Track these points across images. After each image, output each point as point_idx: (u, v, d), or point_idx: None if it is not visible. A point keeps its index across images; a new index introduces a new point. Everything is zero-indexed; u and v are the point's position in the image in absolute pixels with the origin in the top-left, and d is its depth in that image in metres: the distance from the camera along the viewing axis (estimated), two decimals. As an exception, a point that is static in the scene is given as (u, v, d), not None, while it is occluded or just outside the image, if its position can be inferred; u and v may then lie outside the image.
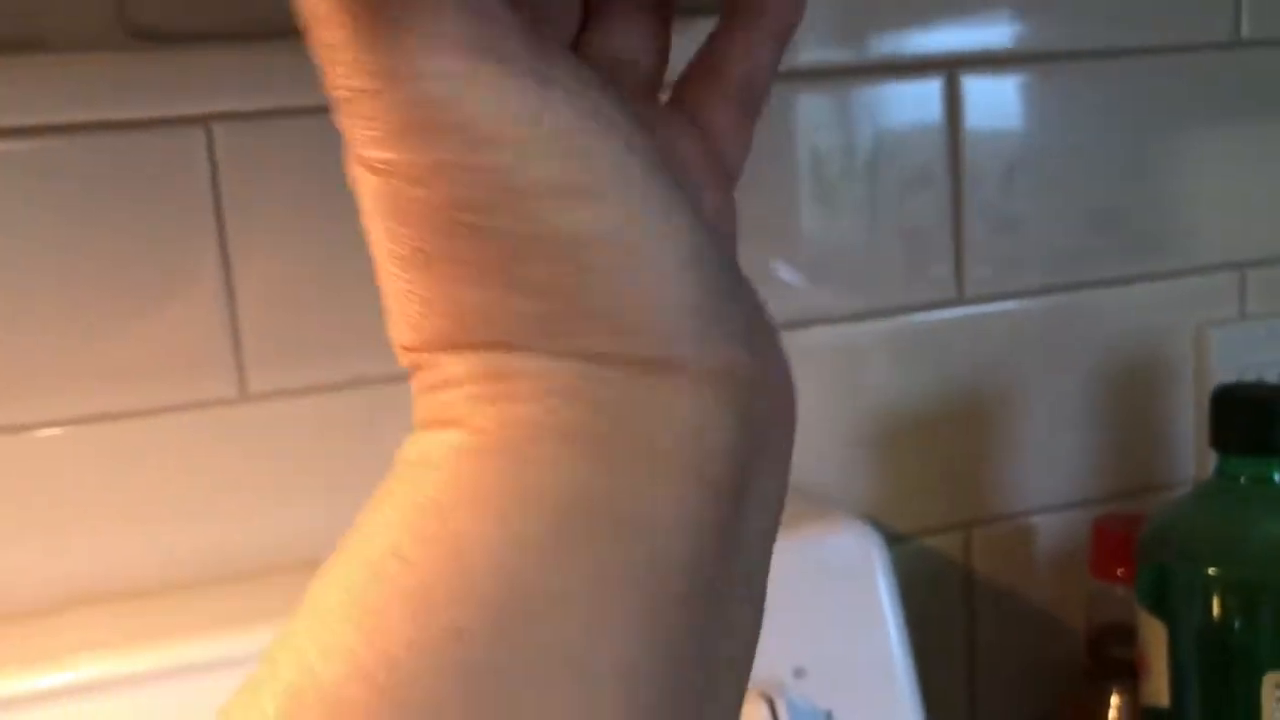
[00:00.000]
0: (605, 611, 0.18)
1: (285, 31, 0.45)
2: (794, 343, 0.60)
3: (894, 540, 0.60)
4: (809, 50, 0.58)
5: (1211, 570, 0.50)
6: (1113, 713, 0.59)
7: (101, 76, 0.48)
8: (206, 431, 0.51)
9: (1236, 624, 0.50)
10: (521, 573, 0.17)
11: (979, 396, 0.63)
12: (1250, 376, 0.65)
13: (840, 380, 0.60)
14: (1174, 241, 0.65)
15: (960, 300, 0.61)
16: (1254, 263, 0.66)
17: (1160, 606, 0.52)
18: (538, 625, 0.17)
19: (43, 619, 0.49)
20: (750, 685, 0.47)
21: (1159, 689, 0.53)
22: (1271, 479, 0.51)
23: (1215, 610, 0.50)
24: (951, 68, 0.60)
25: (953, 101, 0.60)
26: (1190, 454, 0.66)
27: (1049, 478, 0.64)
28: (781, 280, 0.59)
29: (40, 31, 0.44)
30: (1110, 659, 0.59)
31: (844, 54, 0.58)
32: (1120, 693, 0.59)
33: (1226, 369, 0.64)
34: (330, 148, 0.47)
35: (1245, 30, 0.64)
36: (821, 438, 0.60)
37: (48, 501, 0.50)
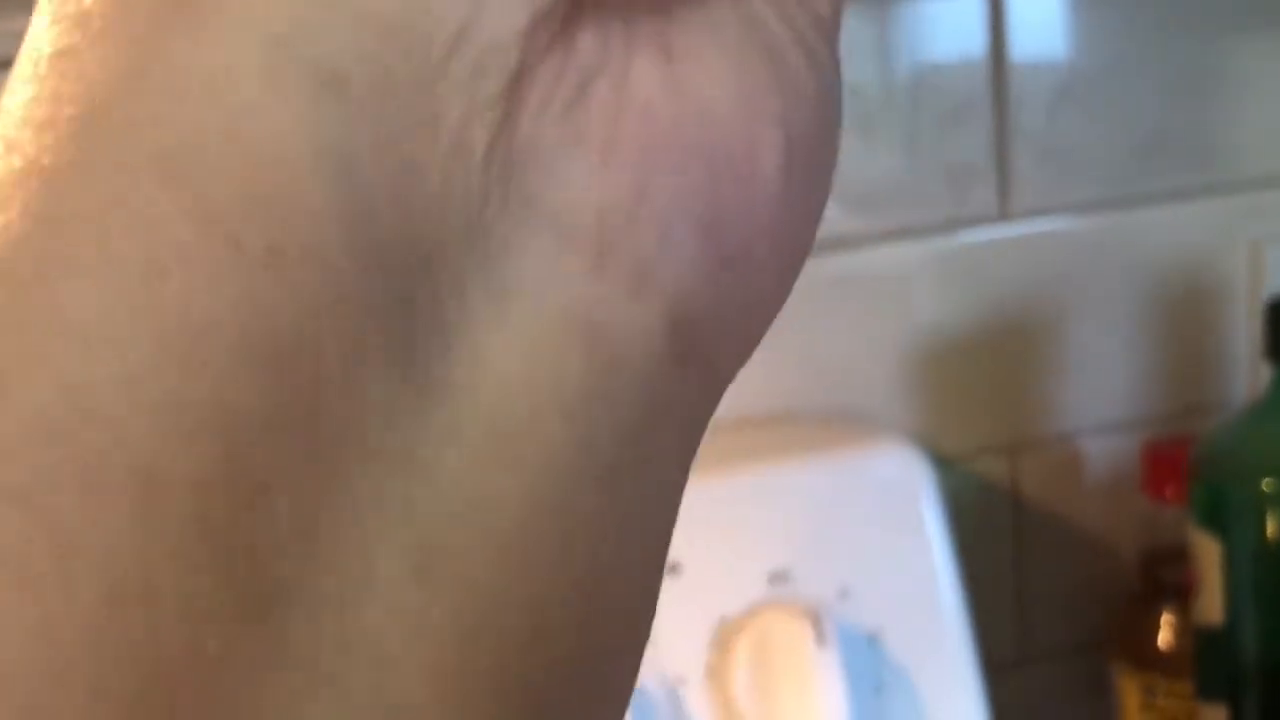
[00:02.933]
0: None
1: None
2: (836, 268, 0.60)
3: (941, 463, 0.60)
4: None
5: (1266, 485, 0.49)
6: (1164, 633, 0.59)
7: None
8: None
9: (1292, 539, 0.49)
10: None
11: (1026, 317, 0.62)
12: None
13: (884, 304, 0.59)
14: (1227, 157, 0.63)
15: (1005, 218, 0.60)
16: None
17: (1214, 524, 0.51)
18: None
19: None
20: (795, 604, 0.48)
21: (1212, 607, 0.52)
22: (1329, 391, 0.50)
23: (1270, 526, 0.49)
24: (994, -19, 0.58)
25: (997, 23, 0.59)
26: (1244, 374, 0.64)
27: (1098, 399, 0.63)
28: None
29: None
30: (1161, 580, 0.59)
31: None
32: (1172, 613, 0.58)
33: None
34: None
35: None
36: (867, 361, 0.59)
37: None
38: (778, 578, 0.49)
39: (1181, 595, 0.56)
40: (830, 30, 0.16)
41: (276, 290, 0.11)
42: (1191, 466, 0.52)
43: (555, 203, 0.12)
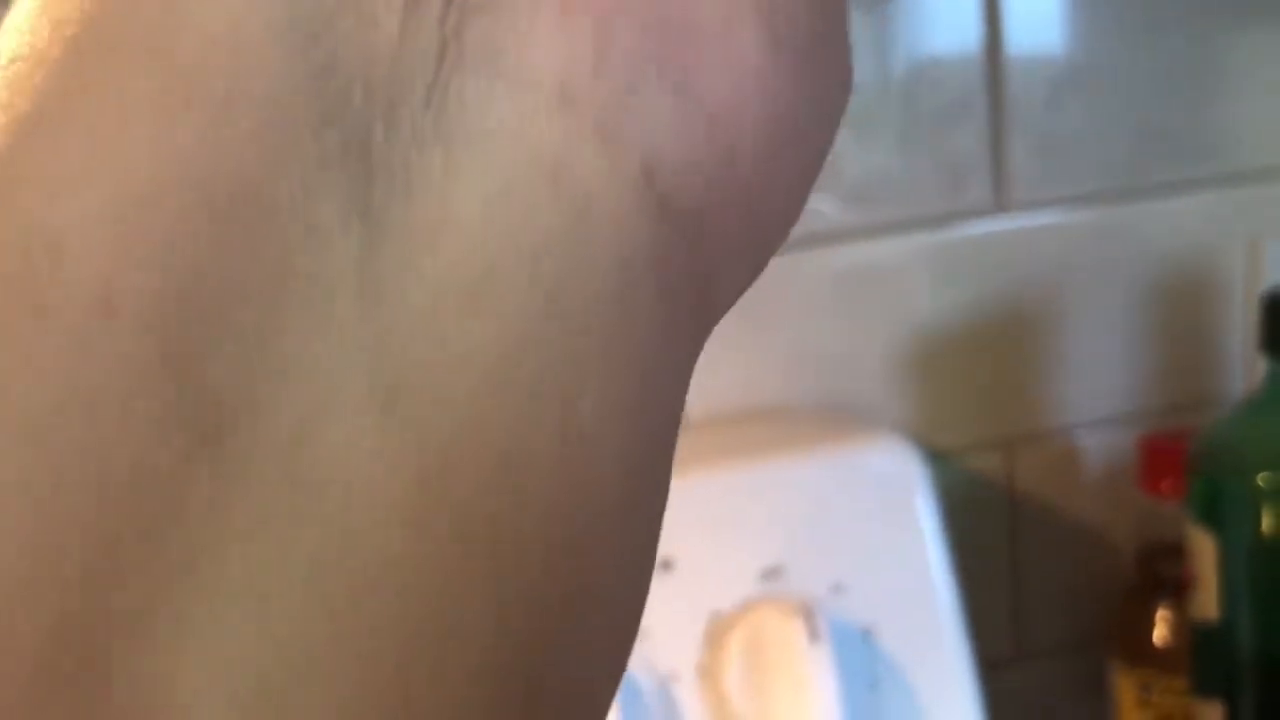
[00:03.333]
0: None
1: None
2: (831, 262, 0.59)
3: (936, 458, 0.59)
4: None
5: (1262, 480, 0.49)
6: (1160, 629, 0.58)
7: None
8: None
9: (1289, 534, 0.49)
10: None
11: (1022, 311, 0.62)
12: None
13: (880, 298, 0.59)
14: (1224, 152, 0.63)
15: (1001, 211, 0.60)
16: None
17: (1210, 519, 0.51)
18: None
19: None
20: (787, 600, 0.47)
21: (1208, 603, 0.51)
22: (1325, 385, 0.49)
23: (1266, 521, 0.49)
24: (990, -29, 0.58)
25: (993, 16, 0.58)
26: (1240, 368, 0.64)
27: (1094, 393, 0.63)
28: (816, 204, 0.57)
29: None
30: (1158, 575, 0.58)
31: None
32: (1168, 608, 0.58)
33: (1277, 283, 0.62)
34: None
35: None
36: (861, 356, 0.59)
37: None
38: (771, 573, 0.49)
39: (1177, 591, 0.56)
40: None
41: (232, 135, 0.11)
42: (1188, 461, 0.52)
43: (514, 54, 0.12)
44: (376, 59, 0.12)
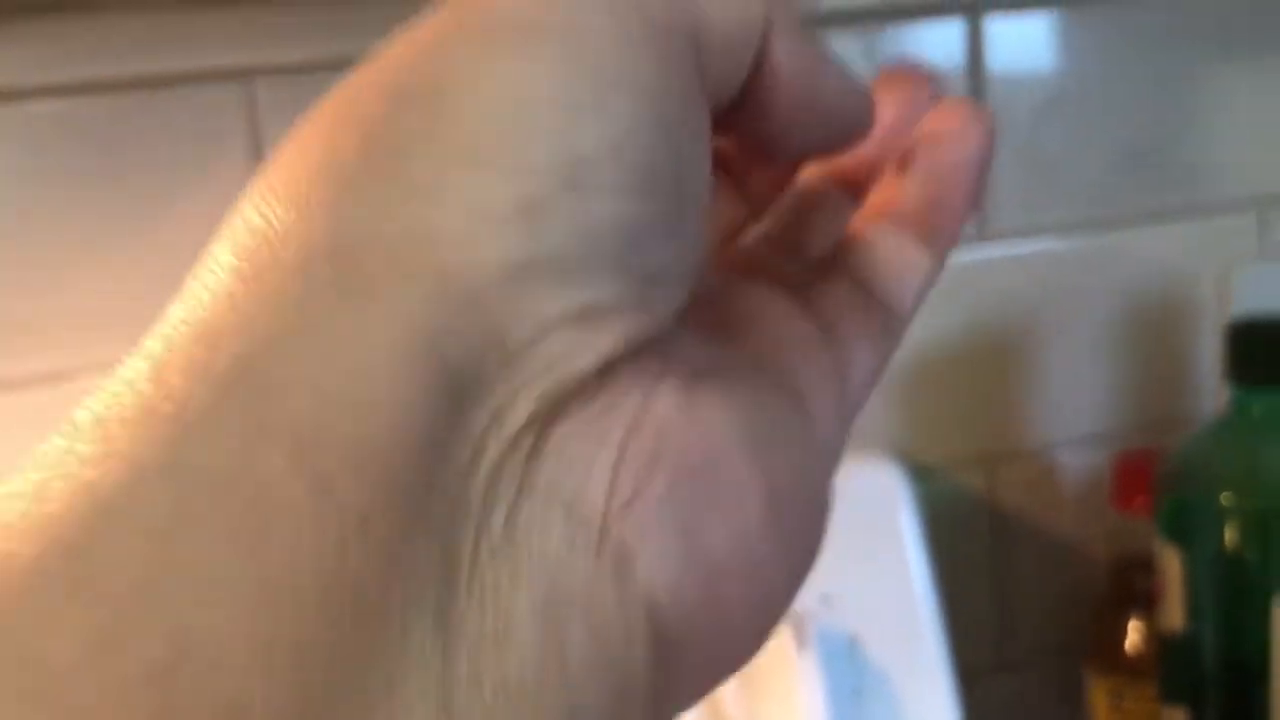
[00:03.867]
0: None
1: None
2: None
3: (921, 474, 0.62)
4: (832, -2, 0.59)
5: (1225, 499, 0.52)
6: (1132, 639, 0.61)
7: (144, 34, 0.50)
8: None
9: (1249, 550, 0.51)
10: None
11: (1004, 334, 0.65)
12: (1272, 313, 0.66)
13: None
14: (1200, 181, 0.66)
15: (984, 239, 0.63)
16: (1274, 201, 0.67)
17: (1178, 536, 0.54)
18: None
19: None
20: (778, 611, 0.50)
21: (1174, 614, 0.54)
22: (1286, 409, 0.52)
23: (1229, 537, 0.52)
24: (972, 10, 0.61)
25: (975, 43, 0.61)
26: (1211, 391, 0.67)
27: (1072, 413, 0.66)
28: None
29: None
30: (1130, 587, 0.61)
31: None
32: (1140, 620, 0.61)
33: (1249, 308, 0.65)
34: None
35: (1267, -32, 0.65)
36: (848, 377, 0.62)
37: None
38: (762, 584, 0.52)
39: (1148, 603, 0.59)
40: (850, 411, 0.19)
41: (361, 550, 0.13)
42: (1157, 480, 0.55)
43: (571, 490, 0.14)
44: (472, 481, 0.14)
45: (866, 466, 0.54)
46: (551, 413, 0.15)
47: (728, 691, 0.50)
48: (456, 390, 0.14)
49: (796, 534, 0.17)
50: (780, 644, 0.49)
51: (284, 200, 0.15)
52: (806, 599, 0.51)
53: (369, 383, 0.13)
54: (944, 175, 0.21)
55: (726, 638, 0.16)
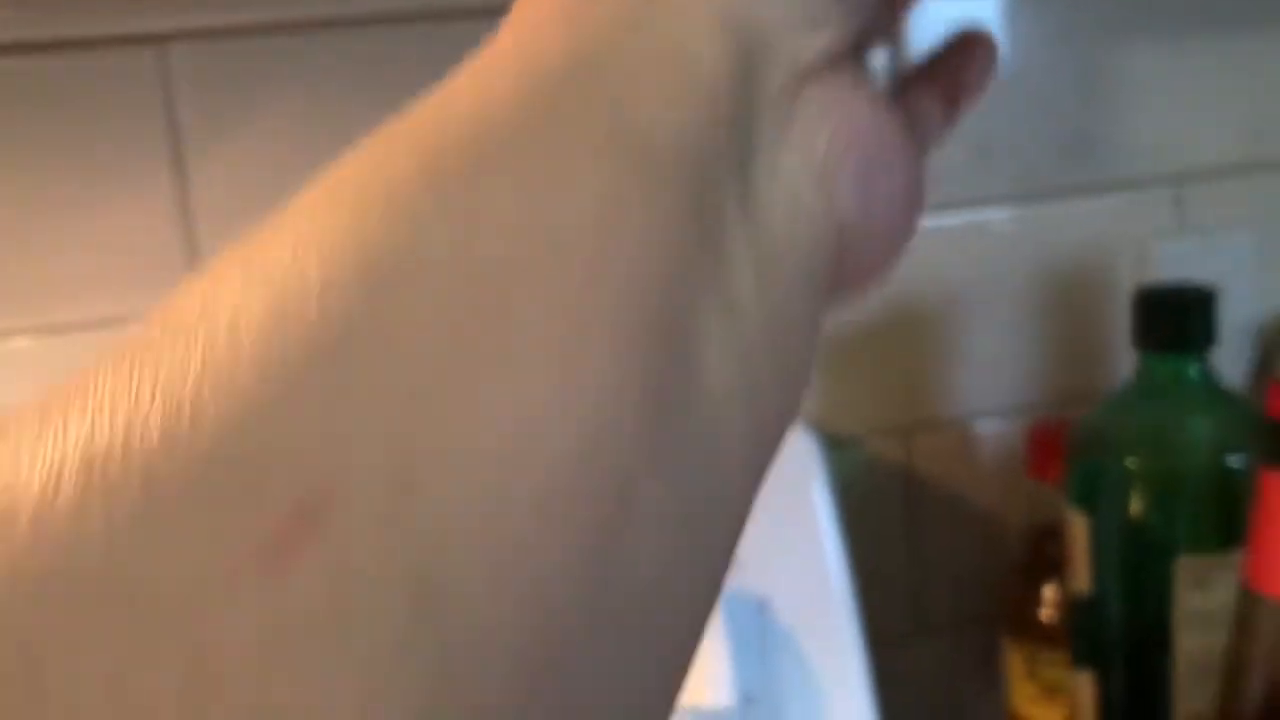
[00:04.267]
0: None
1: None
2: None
3: (838, 443, 0.63)
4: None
5: (1130, 463, 0.53)
6: (1046, 606, 0.62)
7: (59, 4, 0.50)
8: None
9: (1152, 513, 0.52)
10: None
11: (923, 306, 0.65)
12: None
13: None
14: (1119, 158, 0.67)
15: (900, 212, 0.63)
16: (1195, 176, 0.68)
17: (1085, 501, 0.55)
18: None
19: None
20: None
21: (1082, 579, 0.55)
22: (1189, 375, 0.53)
23: (1133, 501, 0.53)
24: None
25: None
26: (1127, 362, 0.68)
27: (991, 384, 0.66)
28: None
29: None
30: (1044, 555, 0.62)
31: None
32: (1054, 587, 0.62)
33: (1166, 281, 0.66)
34: (287, 66, 0.49)
35: (1183, -55, 0.66)
36: (768, 347, 0.62)
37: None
38: (673, 548, 0.52)
39: (1062, 570, 0.59)
40: (926, 155, 0.26)
41: (712, 128, 0.20)
42: (1066, 448, 0.56)
43: (808, 145, 0.21)
44: (757, 123, 0.20)
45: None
46: (798, 85, 0.21)
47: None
48: (746, 57, 0.20)
49: (916, 206, 0.24)
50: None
51: None
52: (717, 562, 0.52)
53: (694, 44, 0.19)
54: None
55: (874, 253, 0.23)
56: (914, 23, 0.61)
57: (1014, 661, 0.63)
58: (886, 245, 0.23)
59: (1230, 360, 0.68)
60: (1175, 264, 0.67)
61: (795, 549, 0.54)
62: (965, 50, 0.31)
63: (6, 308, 0.52)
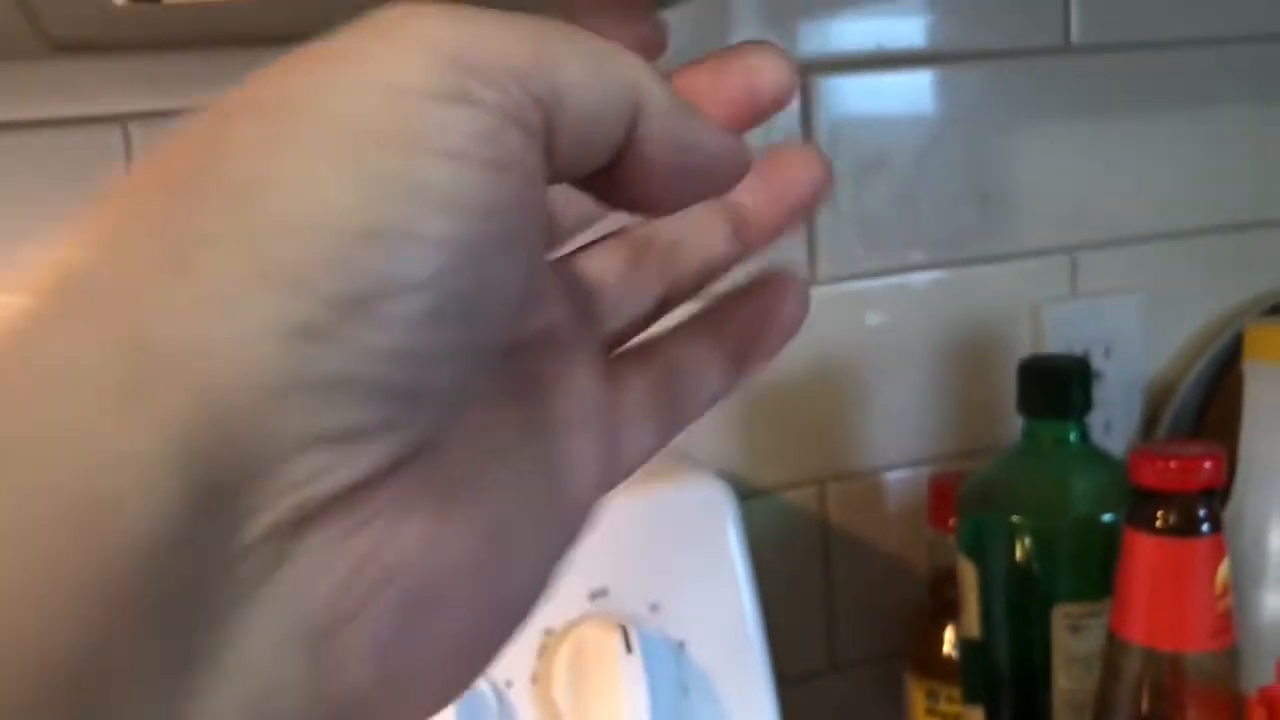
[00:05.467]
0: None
1: (193, 42, 0.51)
2: (674, 318, 0.67)
3: (756, 494, 0.68)
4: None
5: (1015, 518, 0.58)
6: (947, 645, 0.67)
7: (28, 82, 0.54)
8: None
9: (1034, 564, 0.57)
10: None
11: (836, 366, 0.70)
12: (1079, 351, 0.73)
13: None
14: (1012, 228, 0.72)
15: (815, 282, 0.68)
16: (1084, 246, 0.74)
17: (975, 552, 0.60)
18: None
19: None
20: (609, 617, 0.55)
21: (972, 622, 0.60)
22: (1068, 439, 0.58)
23: (1017, 553, 0.58)
24: (806, 71, 0.67)
25: (806, 101, 0.67)
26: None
27: (898, 439, 0.72)
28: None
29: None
30: (945, 598, 0.67)
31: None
32: (955, 628, 0.67)
33: (1058, 344, 0.72)
34: None
35: (1075, 37, 0.72)
36: (692, 403, 0.67)
37: None
38: (598, 594, 0.56)
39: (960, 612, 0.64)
40: (614, 483, 0.21)
41: (105, 629, 0.14)
42: (958, 502, 0.61)
43: (302, 599, 0.16)
44: (216, 578, 0.15)
45: (695, 485, 0.59)
46: (298, 526, 0.15)
47: (560, 689, 0.54)
48: (209, 498, 0.15)
49: (500, 637, 0.18)
50: (610, 646, 0.54)
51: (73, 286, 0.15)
52: (637, 606, 0.57)
53: (123, 482, 0.14)
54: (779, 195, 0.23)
55: (424, 704, 0.18)
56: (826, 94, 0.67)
57: (916, 697, 0.68)
58: (442, 692, 0.18)
59: (1121, 413, 0.74)
60: (1070, 327, 0.73)
61: (711, 594, 0.59)
62: (771, 297, 0.24)
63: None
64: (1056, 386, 0.58)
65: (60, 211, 0.50)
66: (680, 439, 0.68)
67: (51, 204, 0.55)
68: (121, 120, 0.56)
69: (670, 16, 0.58)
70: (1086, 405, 0.58)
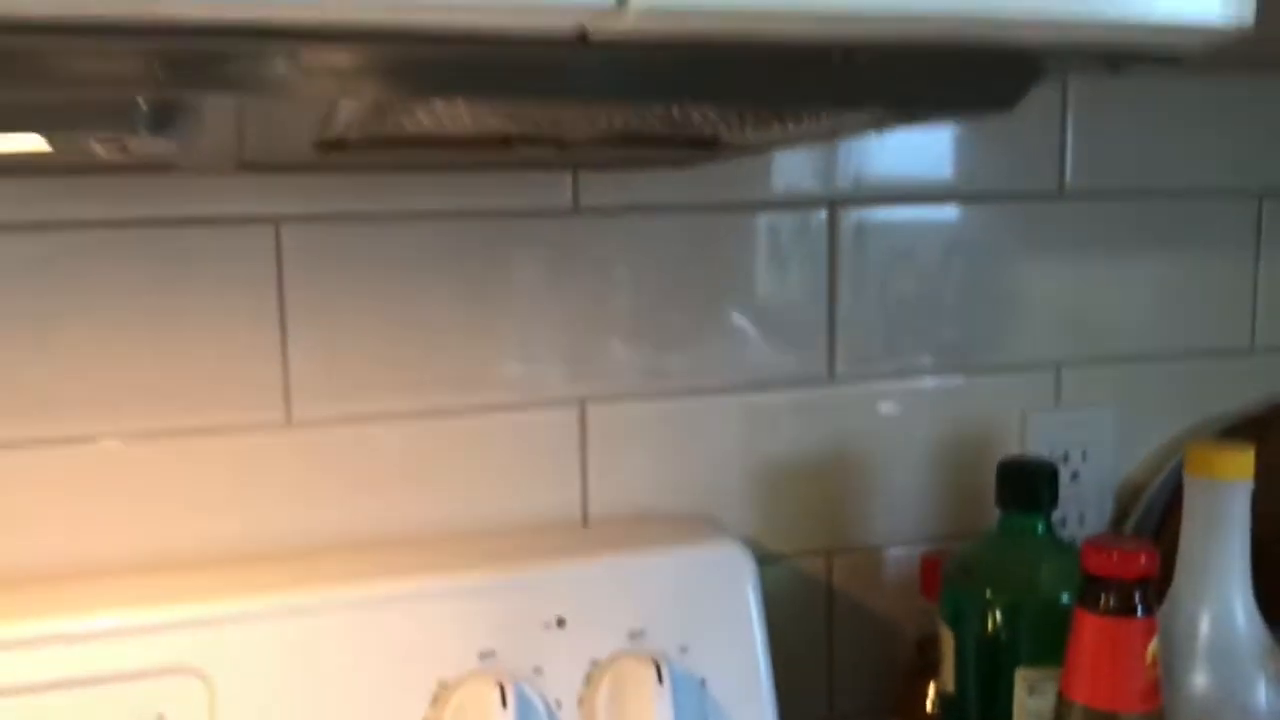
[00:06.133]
0: None
1: (345, 167, 0.64)
2: (710, 404, 0.79)
3: (772, 559, 0.79)
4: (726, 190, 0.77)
5: (988, 594, 0.69)
6: (930, 701, 0.78)
7: (208, 189, 0.67)
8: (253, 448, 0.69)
9: (1001, 633, 0.68)
10: None
11: (846, 453, 0.82)
12: (1059, 454, 0.84)
13: (740, 435, 0.79)
14: (1005, 343, 0.84)
15: (832, 381, 0.80)
16: (1067, 362, 0.85)
17: (953, 620, 0.71)
18: None
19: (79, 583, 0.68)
20: (645, 653, 0.66)
21: (949, 680, 0.71)
22: (1036, 530, 0.70)
23: (989, 623, 0.69)
24: (833, 202, 0.79)
25: (833, 225, 0.79)
26: (1011, 507, 0.84)
27: (897, 519, 0.83)
28: (732, 350, 0.78)
29: (171, 161, 0.63)
30: (929, 659, 0.78)
31: (752, 192, 0.78)
32: (936, 684, 0.78)
33: (1042, 446, 0.84)
34: (372, 245, 0.67)
35: (1068, 183, 0.84)
36: (723, 476, 0.79)
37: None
38: (636, 634, 0.68)
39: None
40: None
41: None
42: (941, 576, 0.72)
43: None
44: None
45: (720, 548, 0.71)
46: None
47: (603, 712, 0.66)
48: None
49: None
50: (645, 678, 0.65)
51: None
52: (669, 646, 0.68)
53: None
54: None
55: None
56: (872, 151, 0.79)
57: (902, 744, 0.79)
58: None
59: (1095, 509, 0.86)
60: (1053, 432, 0.85)
61: (730, 641, 0.70)
62: None
63: (97, 412, 0.68)
64: (1028, 486, 0.69)
65: (218, 296, 0.63)
66: (709, 508, 0.79)
67: (210, 292, 0.68)
68: (275, 221, 0.68)
69: (718, 167, 0.71)
70: (1053, 503, 0.69)
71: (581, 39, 0.29)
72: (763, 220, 0.78)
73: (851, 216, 0.79)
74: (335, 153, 0.51)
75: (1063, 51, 0.35)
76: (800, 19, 0.31)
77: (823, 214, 0.79)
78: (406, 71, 0.30)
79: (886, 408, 0.82)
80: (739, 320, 0.78)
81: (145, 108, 0.34)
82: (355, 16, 0.27)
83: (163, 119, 0.35)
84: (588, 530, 0.74)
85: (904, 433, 0.83)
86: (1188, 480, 0.67)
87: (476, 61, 0.30)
